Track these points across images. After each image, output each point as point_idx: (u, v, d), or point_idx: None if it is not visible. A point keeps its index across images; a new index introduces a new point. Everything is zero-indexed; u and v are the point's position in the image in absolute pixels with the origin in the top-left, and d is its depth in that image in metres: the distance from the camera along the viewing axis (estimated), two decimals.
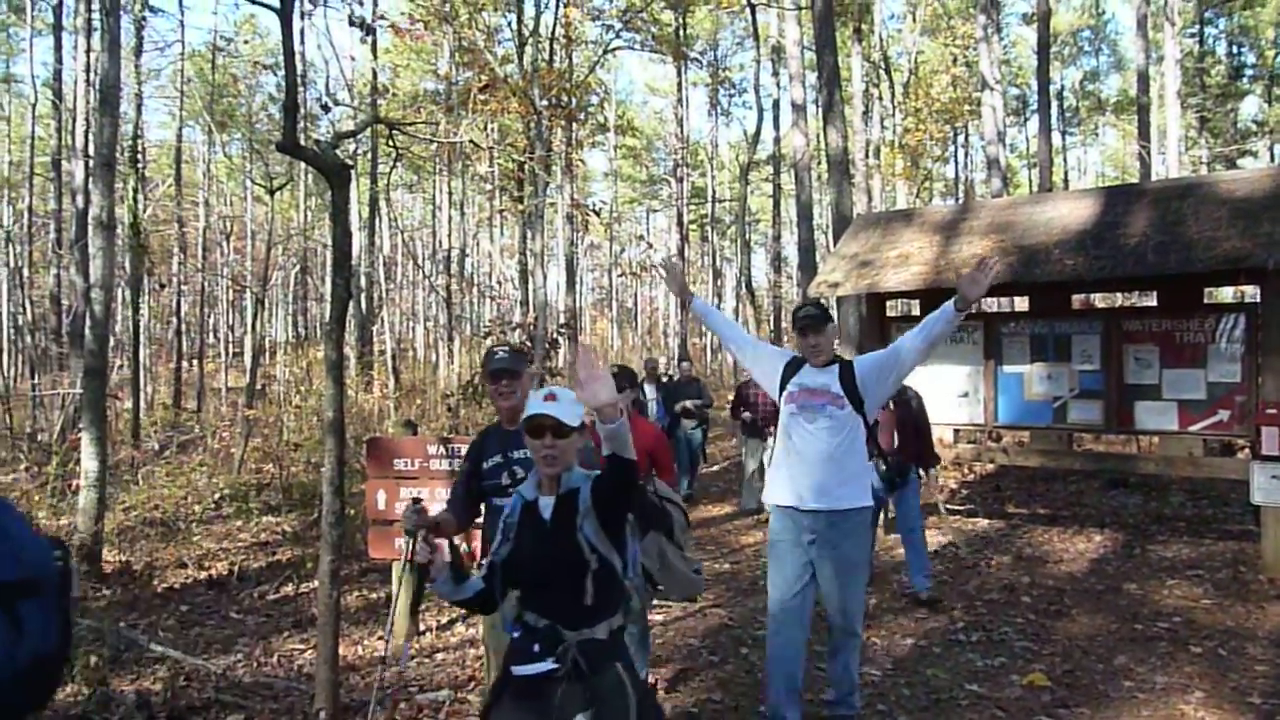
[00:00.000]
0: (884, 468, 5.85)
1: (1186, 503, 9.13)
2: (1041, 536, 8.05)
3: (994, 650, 5.22)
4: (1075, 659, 5.04)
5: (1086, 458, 8.44)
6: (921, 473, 6.58)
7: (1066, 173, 36.86)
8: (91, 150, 10.23)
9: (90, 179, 11.04)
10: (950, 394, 8.28)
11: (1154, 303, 7.83)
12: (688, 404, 10.79)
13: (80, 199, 14.62)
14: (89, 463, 7.17)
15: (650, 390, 10.25)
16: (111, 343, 15.85)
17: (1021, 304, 11.99)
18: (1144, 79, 20.25)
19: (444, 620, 6.16)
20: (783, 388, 4.06)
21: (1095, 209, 7.54)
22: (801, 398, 3.97)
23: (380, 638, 5.82)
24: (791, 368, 4.07)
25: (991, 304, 14.91)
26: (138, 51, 16.24)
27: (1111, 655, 5.08)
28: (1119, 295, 14.39)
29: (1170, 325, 7.29)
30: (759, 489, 8.10)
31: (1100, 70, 38.60)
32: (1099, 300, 14.96)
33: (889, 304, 8.92)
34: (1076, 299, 8.77)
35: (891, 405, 6.12)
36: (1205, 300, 7.51)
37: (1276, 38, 31.76)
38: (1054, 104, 27.11)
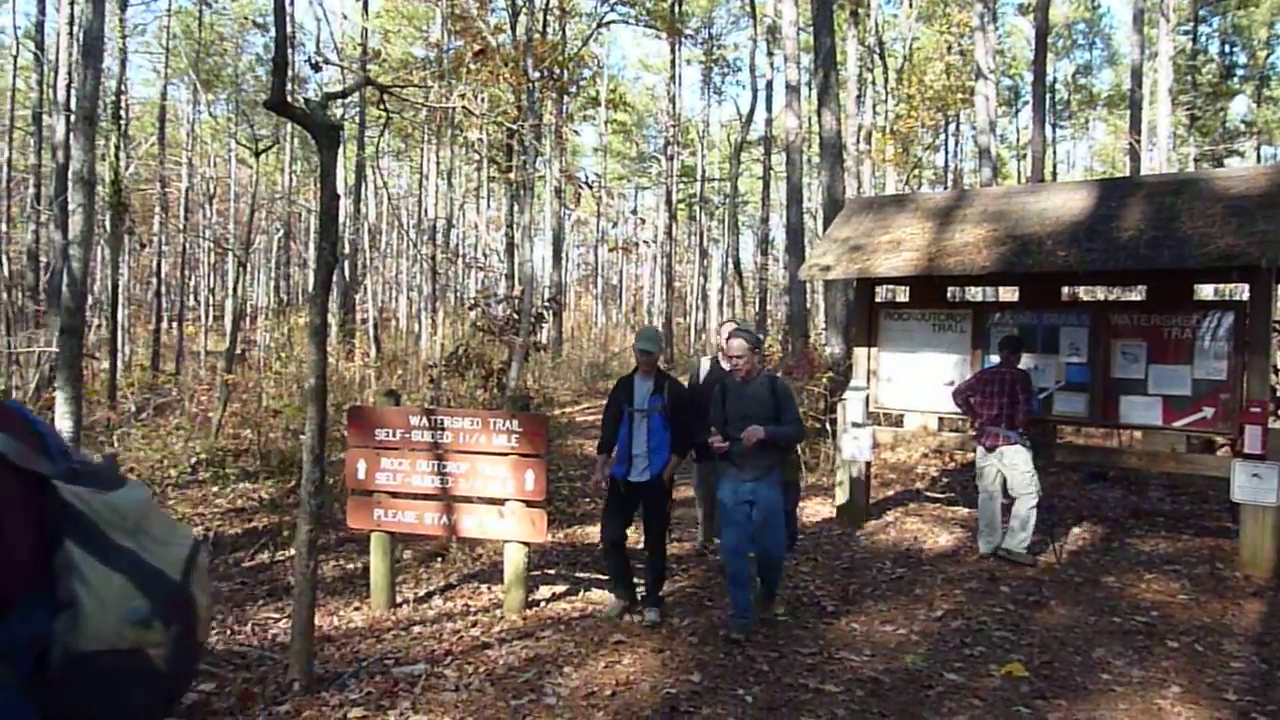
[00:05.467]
0: None
1: (1165, 498, 9.18)
2: None
3: (973, 639, 5.23)
4: (1053, 650, 5.05)
5: (1069, 450, 8.45)
6: None
7: (1055, 165, 36.92)
8: (73, 105, 10.01)
9: (71, 134, 10.79)
10: (936, 382, 8.26)
11: (1142, 297, 7.81)
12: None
13: (60, 154, 14.35)
14: (63, 423, 7.04)
15: (643, 390, 5.59)
16: (89, 302, 15.65)
17: (1009, 294, 11.97)
18: (1137, 74, 20.27)
19: (421, 593, 6.10)
20: None
21: (1090, 201, 7.50)
22: None
23: (357, 608, 5.76)
24: None
25: (979, 293, 14.90)
26: (123, 5, 15.93)
27: (1089, 647, 5.09)
28: (1104, 289, 14.40)
29: (1159, 320, 7.28)
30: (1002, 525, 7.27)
31: (1093, 64, 38.65)
32: (1083, 293, 14.98)
33: (879, 289, 8.86)
34: (1064, 291, 8.75)
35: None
36: (1194, 297, 7.50)
37: (1269, 39, 31.89)
38: (1047, 96, 26.96)
